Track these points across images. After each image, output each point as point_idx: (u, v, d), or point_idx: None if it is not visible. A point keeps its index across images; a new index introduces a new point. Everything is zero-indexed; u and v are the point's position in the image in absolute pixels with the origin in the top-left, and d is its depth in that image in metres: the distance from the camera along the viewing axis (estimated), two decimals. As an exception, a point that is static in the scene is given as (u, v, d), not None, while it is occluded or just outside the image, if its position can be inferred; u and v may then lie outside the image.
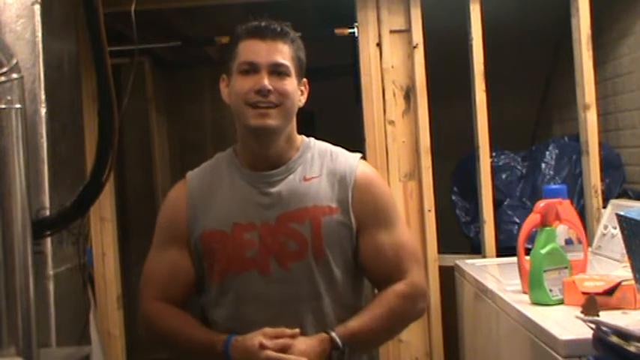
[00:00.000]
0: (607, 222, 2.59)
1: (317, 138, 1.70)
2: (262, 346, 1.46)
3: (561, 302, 1.82)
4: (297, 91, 1.60)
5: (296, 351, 1.47)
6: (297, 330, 1.50)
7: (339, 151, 1.67)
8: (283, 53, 1.57)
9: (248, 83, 1.55)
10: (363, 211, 1.60)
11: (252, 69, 1.56)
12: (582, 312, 1.64)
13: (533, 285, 1.86)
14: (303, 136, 1.68)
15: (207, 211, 1.61)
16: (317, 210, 1.58)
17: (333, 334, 1.51)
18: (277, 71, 1.56)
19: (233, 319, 1.57)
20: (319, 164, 1.63)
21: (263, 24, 1.58)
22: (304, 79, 1.64)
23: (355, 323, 1.55)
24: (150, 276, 1.64)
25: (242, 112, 1.57)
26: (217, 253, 1.59)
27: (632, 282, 1.66)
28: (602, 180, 2.86)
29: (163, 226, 1.66)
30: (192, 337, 1.56)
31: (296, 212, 1.58)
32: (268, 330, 1.49)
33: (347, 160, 1.65)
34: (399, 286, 1.58)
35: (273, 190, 1.59)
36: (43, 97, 1.80)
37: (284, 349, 1.47)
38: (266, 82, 1.54)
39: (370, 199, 1.62)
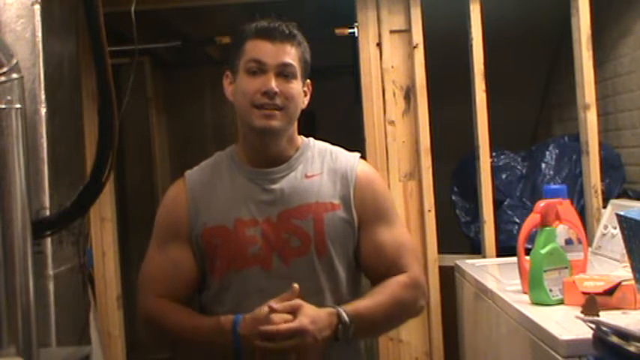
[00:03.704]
0: (607, 222, 2.59)
1: (317, 138, 1.71)
2: (272, 309, 1.44)
3: (561, 302, 1.83)
4: (301, 93, 1.61)
5: (305, 312, 1.45)
6: (295, 285, 1.48)
7: (339, 150, 1.68)
8: (291, 55, 1.58)
9: (255, 84, 1.55)
10: (365, 209, 1.61)
11: (259, 69, 1.56)
12: (582, 312, 1.64)
13: (533, 285, 1.86)
14: (303, 136, 1.68)
15: (208, 207, 1.61)
16: (319, 206, 1.58)
17: (340, 310, 1.50)
18: (284, 73, 1.56)
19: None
20: (320, 162, 1.64)
21: (272, 25, 1.58)
22: (308, 81, 1.65)
23: (361, 304, 1.55)
24: (151, 274, 1.63)
25: (247, 112, 1.57)
26: (219, 249, 1.58)
27: (632, 282, 1.66)
28: (602, 180, 2.86)
29: (163, 224, 1.65)
30: (197, 325, 1.55)
31: (298, 209, 1.58)
32: (272, 301, 1.47)
33: (347, 158, 1.66)
34: (401, 277, 1.59)
35: (275, 186, 1.60)
36: (43, 97, 1.80)
37: (293, 311, 1.45)
38: (273, 84, 1.54)
39: (371, 197, 1.63)
